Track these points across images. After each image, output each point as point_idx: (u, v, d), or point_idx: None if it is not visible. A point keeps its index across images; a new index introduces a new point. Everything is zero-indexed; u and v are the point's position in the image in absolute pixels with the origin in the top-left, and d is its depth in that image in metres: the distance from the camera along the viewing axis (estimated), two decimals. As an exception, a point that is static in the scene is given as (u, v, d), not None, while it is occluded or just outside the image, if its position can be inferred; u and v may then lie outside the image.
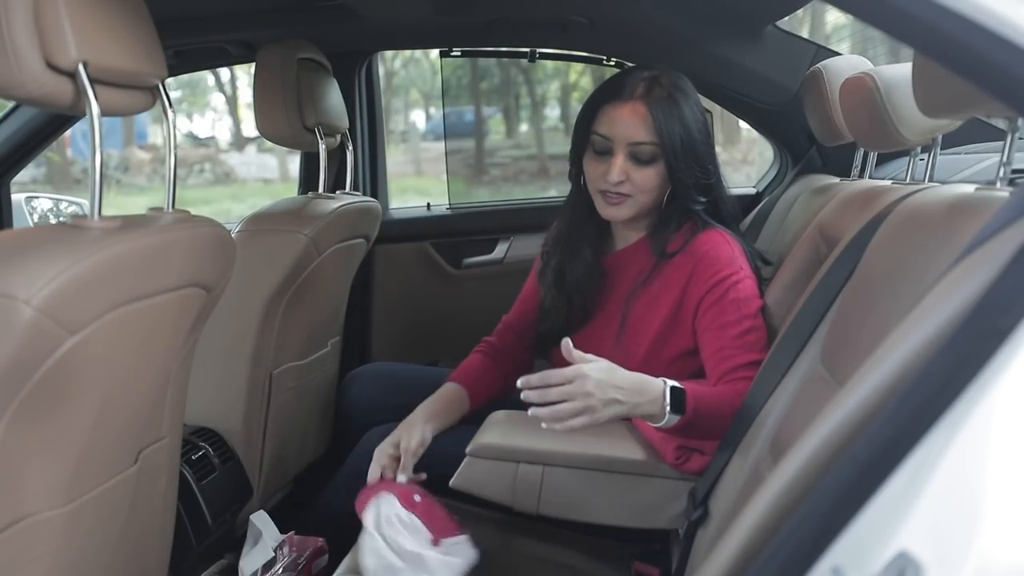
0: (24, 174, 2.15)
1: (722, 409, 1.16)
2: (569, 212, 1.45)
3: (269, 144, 2.14)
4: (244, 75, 9.82)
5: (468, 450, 1.22)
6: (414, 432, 1.29)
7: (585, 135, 1.34)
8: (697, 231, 1.33)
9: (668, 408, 1.13)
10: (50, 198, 2.23)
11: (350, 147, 1.86)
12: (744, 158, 7.80)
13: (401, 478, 1.23)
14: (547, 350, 1.46)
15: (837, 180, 1.67)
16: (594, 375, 1.08)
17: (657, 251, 1.35)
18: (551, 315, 1.44)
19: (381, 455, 1.27)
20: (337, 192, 1.77)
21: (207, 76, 10.95)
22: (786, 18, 1.88)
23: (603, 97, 1.33)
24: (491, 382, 1.47)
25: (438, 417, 1.35)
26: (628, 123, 1.29)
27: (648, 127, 1.28)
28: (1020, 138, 0.80)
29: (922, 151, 1.31)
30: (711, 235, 1.33)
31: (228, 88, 11.28)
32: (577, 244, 1.42)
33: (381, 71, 2.45)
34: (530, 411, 1.08)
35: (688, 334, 1.32)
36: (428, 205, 2.35)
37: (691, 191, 1.32)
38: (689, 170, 1.30)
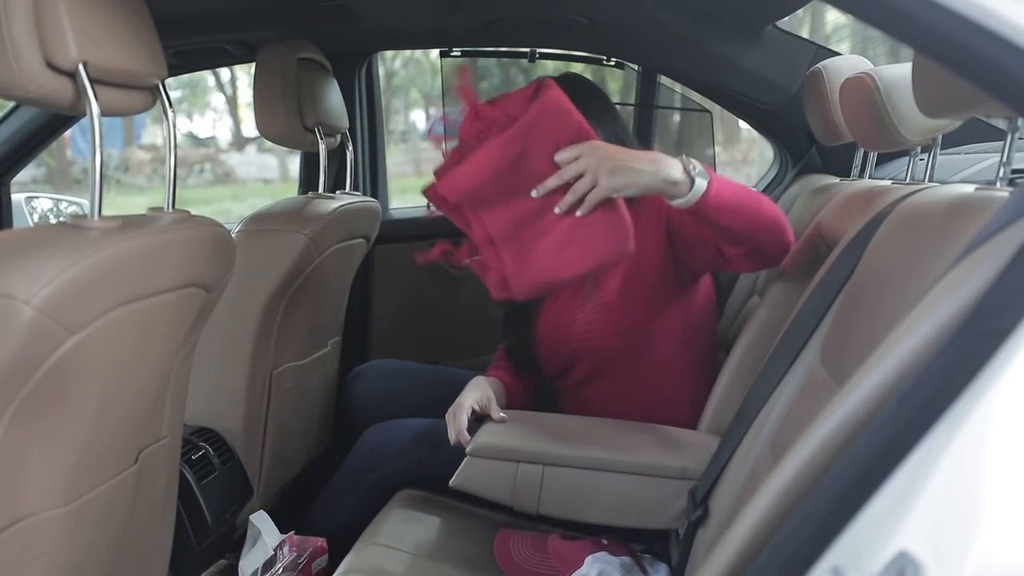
0: (24, 174, 2.15)
1: (745, 194, 1.16)
2: None
3: (269, 144, 2.14)
4: (244, 75, 9.82)
5: (468, 450, 1.23)
6: (480, 383, 1.36)
7: None
8: None
9: (694, 170, 1.11)
10: (50, 198, 2.23)
11: (350, 147, 1.86)
12: (744, 158, 7.80)
13: (502, 415, 1.31)
14: (525, 358, 1.50)
15: (837, 180, 1.67)
16: (600, 144, 1.11)
17: None
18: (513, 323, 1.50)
19: (461, 414, 1.30)
20: (337, 192, 1.76)
21: (207, 76, 10.95)
22: (786, 18, 1.88)
23: None
24: (519, 389, 1.49)
25: (497, 395, 1.38)
26: None
27: None
28: (1020, 138, 0.80)
29: (922, 151, 1.31)
30: None
31: (228, 88, 11.28)
32: None
33: (381, 71, 2.45)
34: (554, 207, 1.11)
35: (654, 273, 1.35)
36: (428, 205, 2.34)
37: None
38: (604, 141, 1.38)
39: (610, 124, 1.40)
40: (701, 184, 1.12)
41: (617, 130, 1.41)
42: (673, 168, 1.12)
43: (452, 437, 1.29)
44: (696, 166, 1.13)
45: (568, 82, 1.44)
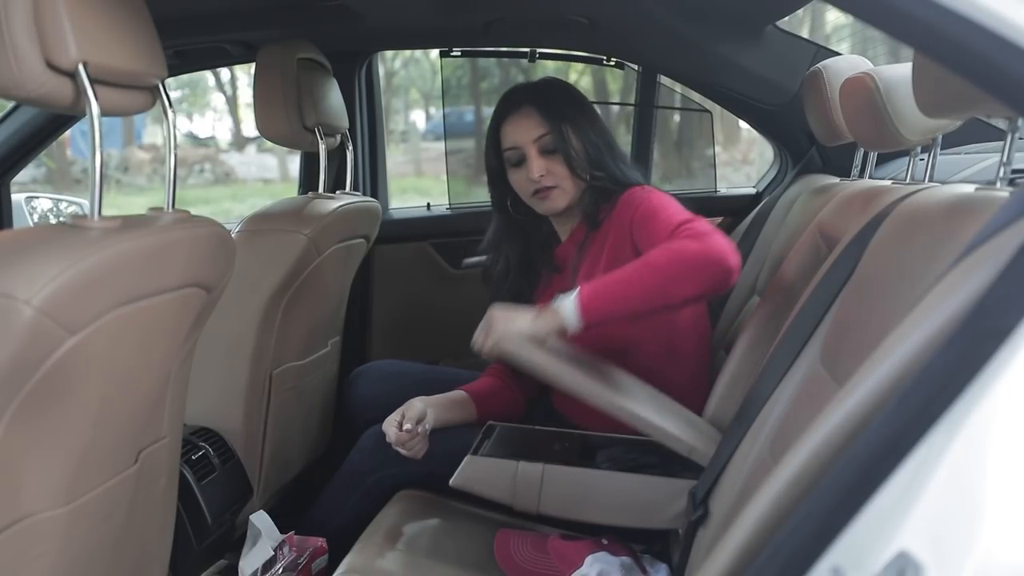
0: (24, 174, 2.15)
1: (627, 272, 1.19)
2: (511, 240, 1.55)
3: (269, 144, 2.14)
4: (244, 75, 9.82)
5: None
6: (415, 404, 1.39)
7: (499, 161, 1.48)
8: (620, 194, 1.43)
9: (559, 301, 1.18)
10: (50, 198, 2.23)
11: (350, 147, 1.86)
12: (744, 158, 7.81)
13: (408, 425, 1.35)
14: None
15: (837, 180, 1.67)
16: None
17: (592, 224, 1.45)
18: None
19: (388, 427, 1.36)
20: (337, 192, 1.76)
21: (207, 76, 10.95)
22: (786, 18, 1.88)
23: (498, 120, 1.47)
24: (502, 399, 1.52)
25: (438, 407, 1.41)
26: (525, 125, 1.44)
27: (540, 121, 1.43)
28: (1020, 138, 0.80)
29: (922, 151, 1.31)
30: (631, 191, 1.43)
31: (228, 88, 11.28)
32: (536, 267, 1.54)
33: (381, 71, 2.45)
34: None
35: None
36: (428, 205, 2.35)
37: (585, 164, 1.43)
38: (582, 148, 1.42)
39: (586, 130, 1.44)
40: (567, 304, 1.17)
41: (592, 136, 1.44)
42: (548, 314, 1.18)
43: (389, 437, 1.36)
44: (558, 297, 1.19)
45: (545, 88, 1.48)
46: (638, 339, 1.39)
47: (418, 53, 9.15)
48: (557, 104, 1.45)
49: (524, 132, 1.43)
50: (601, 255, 1.42)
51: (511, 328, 1.17)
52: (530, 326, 1.17)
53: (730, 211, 2.22)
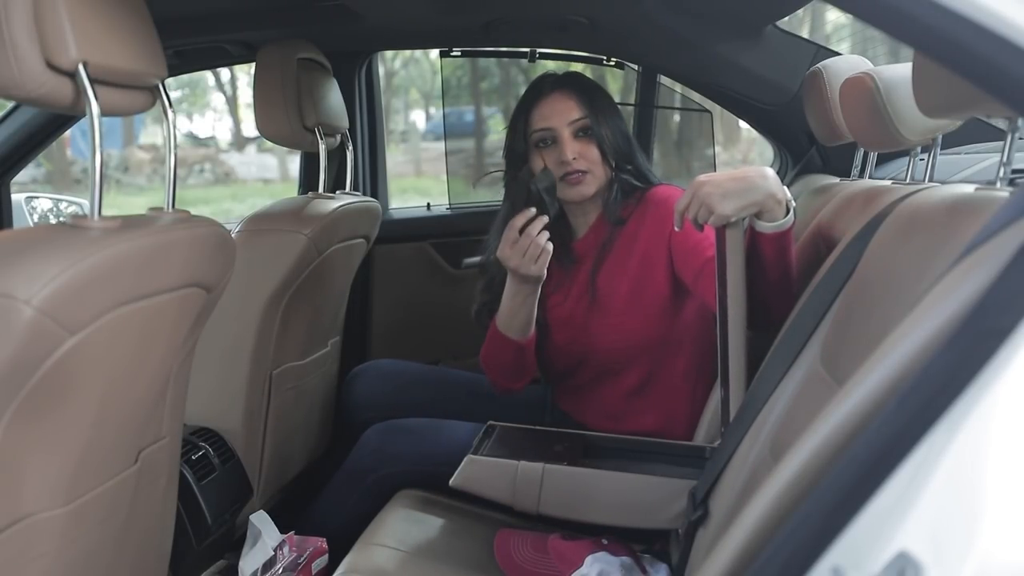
0: (24, 174, 2.15)
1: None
2: None
3: (269, 144, 2.14)
4: (244, 75, 9.82)
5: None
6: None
7: (525, 142, 1.44)
8: (646, 191, 1.43)
9: (787, 196, 1.14)
10: (50, 198, 2.23)
11: (350, 147, 1.86)
12: (744, 158, 7.80)
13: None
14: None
15: (837, 180, 1.67)
16: (704, 177, 1.14)
17: (613, 220, 1.43)
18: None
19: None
20: (337, 192, 1.76)
21: (207, 76, 10.94)
22: (786, 18, 1.87)
23: (528, 102, 1.45)
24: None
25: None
26: (561, 107, 1.42)
27: (576, 105, 1.42)
28: (1020, 138, 0.80)
29: (922, 151, 1.31)
30: (660, 188, 1.43)
31: (228, 88, 11.28)
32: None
33: (381, 71, 2.45)
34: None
35: (663, 280, 1.36)
36: (428, 205, 2.35)
37: (615, 154, 1.42)
38: (614, 137, 1.42)
39: (616, 120, 1.43)
40: (790, 216, 1.15)
41: (622, 126, 1.45)
42: (779, 186, 1.14)
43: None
44: (788, 193, 1.16)
45: (577, 77, 1.49)
46: (662, 332, 1.39)
47: (418, 53, 9.15)
48: (592, 93, 1.45)
49: (559, 114, 1.42)
50: (631, 254, 1.41)
51: (735, 190, 1.12)
52: (762, 185, 1.12)
53: (730, 211, 2.22)
